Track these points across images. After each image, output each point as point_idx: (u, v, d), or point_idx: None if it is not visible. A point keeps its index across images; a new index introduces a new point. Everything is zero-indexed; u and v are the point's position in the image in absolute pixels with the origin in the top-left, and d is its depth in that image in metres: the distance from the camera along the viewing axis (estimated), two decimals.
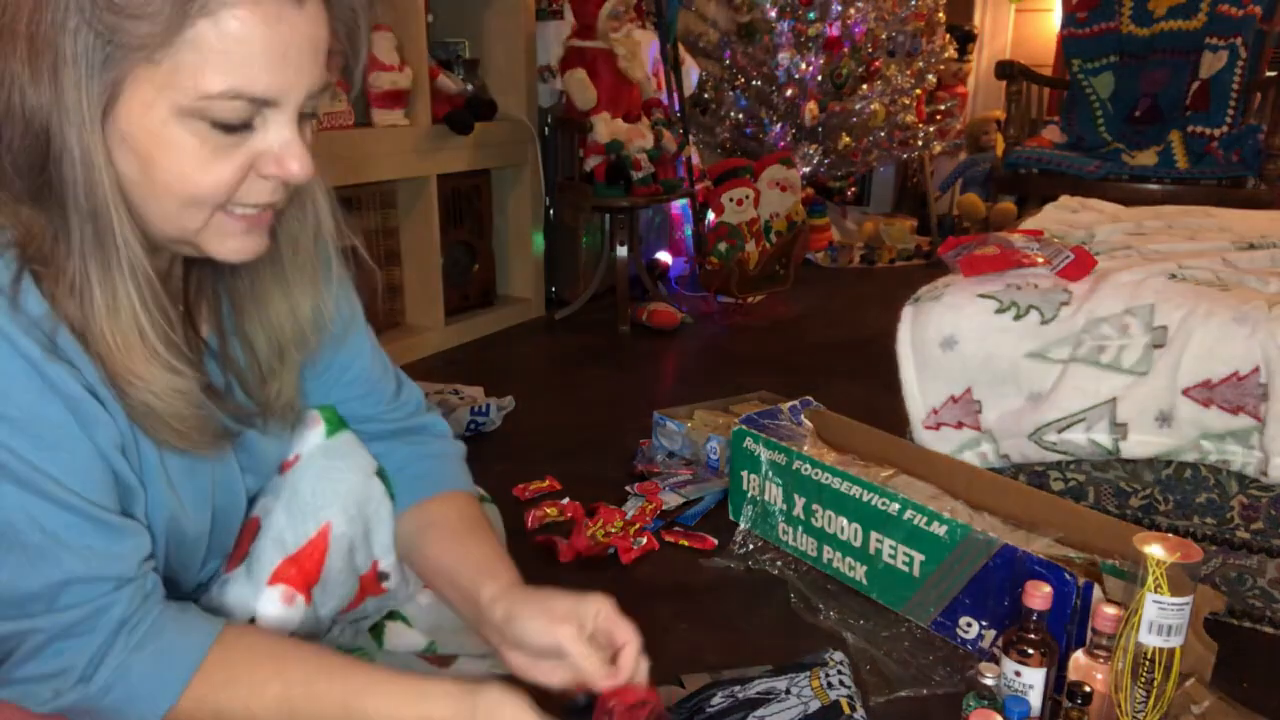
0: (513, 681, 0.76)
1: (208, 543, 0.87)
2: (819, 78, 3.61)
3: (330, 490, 0.90)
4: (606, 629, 0.80)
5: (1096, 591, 1.07)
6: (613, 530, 1.50)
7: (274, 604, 0.89)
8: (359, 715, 0.72)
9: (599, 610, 0.80)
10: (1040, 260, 1.42)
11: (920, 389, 1.43)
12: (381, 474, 0.95)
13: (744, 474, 1.52)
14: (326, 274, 0.83)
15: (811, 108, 3.58)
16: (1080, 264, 1.39)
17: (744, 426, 1.51)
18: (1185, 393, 1.23)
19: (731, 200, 3.16)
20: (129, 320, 0.67)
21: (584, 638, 0.79)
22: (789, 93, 3.62)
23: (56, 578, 0.67)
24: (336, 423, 0.93)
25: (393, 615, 1.09)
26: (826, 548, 1.39)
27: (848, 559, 1.35)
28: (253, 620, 0.89)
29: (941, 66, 3.99)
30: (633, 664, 0.79)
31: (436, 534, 0.93)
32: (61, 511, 0.67)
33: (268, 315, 0.82)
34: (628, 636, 0.80)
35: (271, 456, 0.90)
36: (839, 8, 3.58)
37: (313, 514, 0.90)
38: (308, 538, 0.90)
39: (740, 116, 3.74)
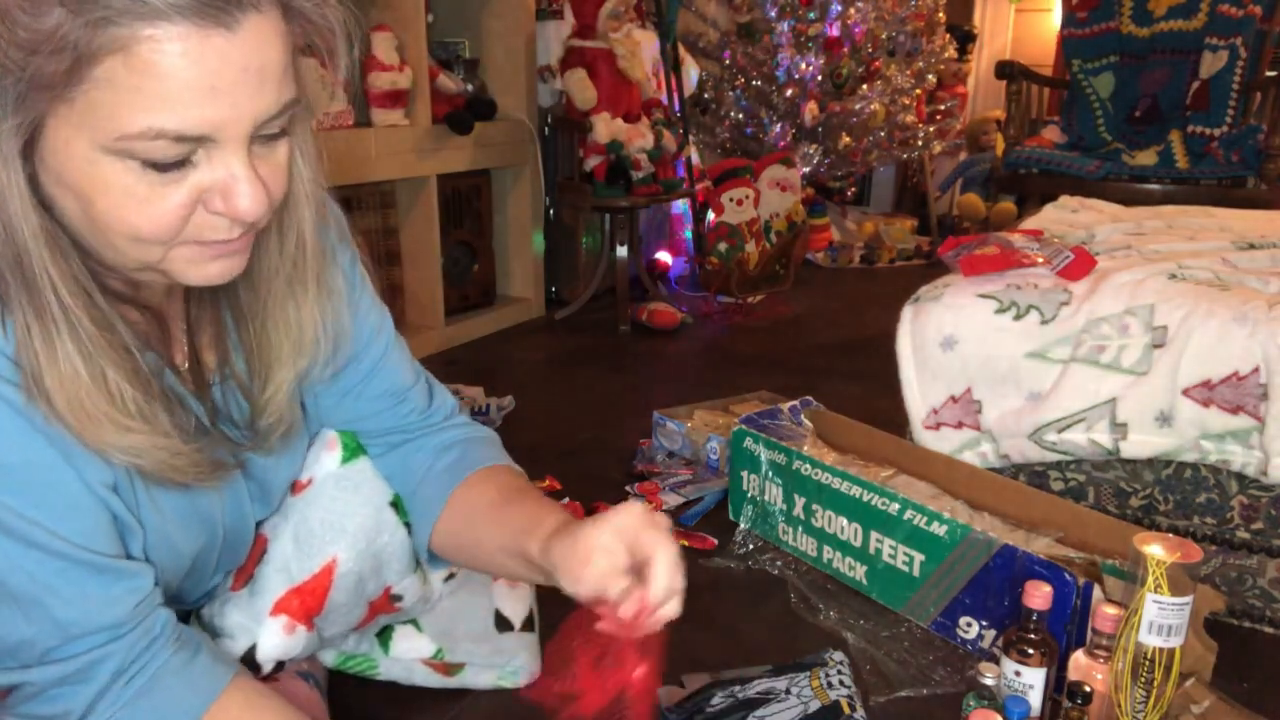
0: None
1: (215, 562, 0.86)
2: (819, 78, 3.61)
3: (340, 524, 0.89)
4: (632, 542, 0.72)
5: (1096, 591, 1.07)
6: None
7: (276, 634, 0.89)
8: None
9: (623, 526, 0.72)
10: (1040, 260, 1.42)
11: (920, 389, 1.43)
12: (396, 503, 0.93)
13: (744, 474, 1.52)
14: (325, 283, 0.79)
15: (811, 108, 3.58)
16: (1080, 264, 1.39)
17: (744, 426, 1.51)
18: (1185, 393, 1.23)
19: (731, 200, 3.16)
20: (72, 384, 0.63)
21: (610, 569, 0.72)
22: (789, 93, 3.62)
23: (49, 628, 0.66)
24: (353, 449, 0.92)
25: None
26: (826, 548, 1.39)
27: (848, 559, 1.35)
28: (253, 648, 0.89)
29: (941, 66, 3.99)
30: (663, 581, 0.71)
31: (481, 518, 0.88)
32: (51, 559, 0.65)
33: (262, 322, 0.78)
34: (653, 548, 0.72)
35: (279, 482, 0.89)
36: (839, 8, 3.58)
37: (320, 547, 0.89)
38: (312, 572, 0.89)
39: (740, 116, 3.74)
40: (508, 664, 1.11)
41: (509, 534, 0.84)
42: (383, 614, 0.99)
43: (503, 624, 1.12)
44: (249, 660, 0.89)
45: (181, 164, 0.60)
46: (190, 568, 0.82)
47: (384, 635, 1.07)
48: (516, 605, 1.13)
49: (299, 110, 0.66)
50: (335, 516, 0.89)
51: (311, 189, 0.75)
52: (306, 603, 0.89)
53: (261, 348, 0.78)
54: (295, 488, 0.91)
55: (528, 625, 1.14)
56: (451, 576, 1.06)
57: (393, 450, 0.94)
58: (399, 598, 0.97)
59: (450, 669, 1.09)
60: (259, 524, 0.91)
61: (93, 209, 0.60)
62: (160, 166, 0.59)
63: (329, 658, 1.05)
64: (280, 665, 0.92)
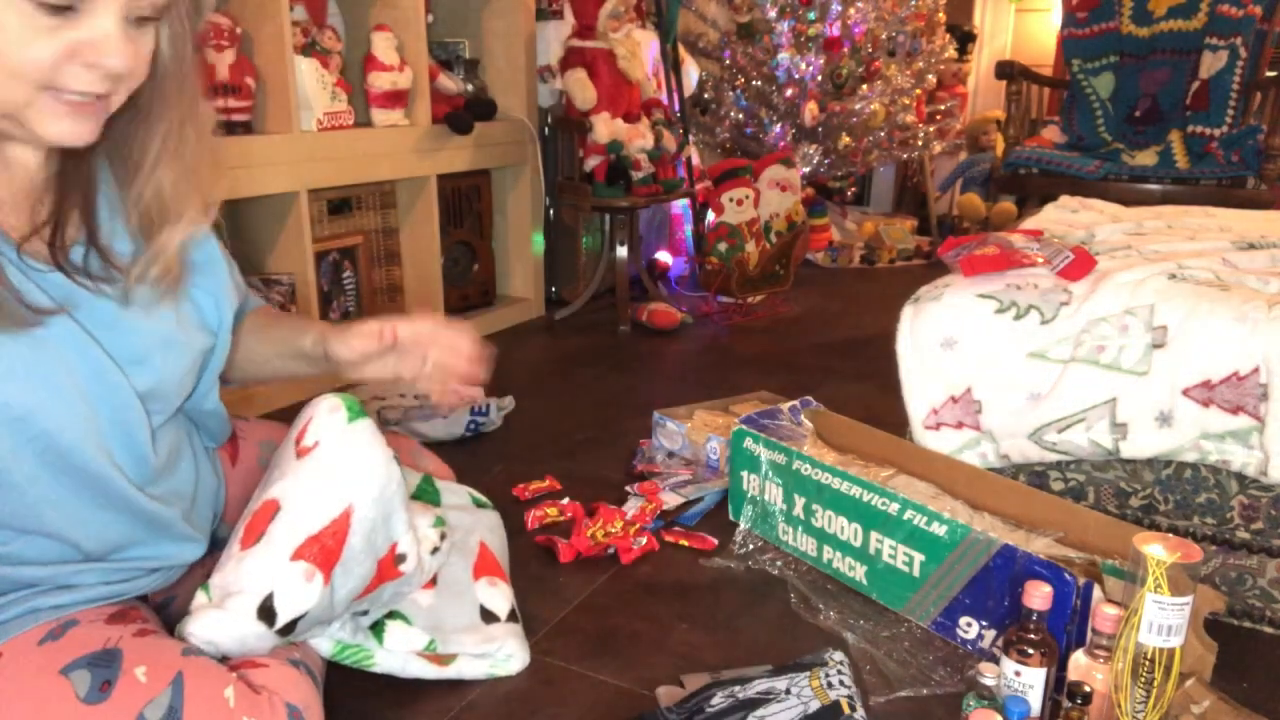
0: None
1: (99, 437, 0.86)
2: (819, 78, 3.61)
3: (354, 474, 0.93)
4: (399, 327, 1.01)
5: (1096, 591, 1.07)
6: (613, 530, 1.50)
7: (295, 581, 0.90)
8: None
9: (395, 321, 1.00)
10: (1040, 260, 1.42)
11: (920, 389, 1.43)
12: (395, 458, 0.98)
13: (744, 474, 1.52)
14: (192, 160, 0.89)
15: (811, 108, 3.58)
16: (1080, 264, 1.39)
17: (744, 426, 1.51)
18: (1185, 393, 1.23)
19: (731, 200, 3.16)
20: None
21: (372, 332, 0.99)
22: (789, 93, 3.62)
23: None
24: (356, 410, 0.96)
25: (393, 615, 1.09)
26: (826, 548, 1.39)
27: (848, 559, 1.35)
28: (270, 599, 0.89)
29: (941, 66, 3.99)
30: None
31: (258, 333, 1.09)
32: None
33: (139, 196, 0.87)
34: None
35: (148, 337, 0.90)
36: (839, 8, 3.58)
37: (336, 497, 0.92)
38: (331, 518, 0.91)
39: (740, 116, 3.74)
40: (498, 651, 1.14)
41: (280, 343, 1.08)
42: (388, 580, 1.00)
43: (488, 617, 1.17)
44: (266, 610, 0.89)
45: (64, 10, 0.71)
46: (53, 434, 0.82)
47: (377, 628, 1.08)
48: (499, 601, 1.19)
49: (172, 16, 0.80)
50: (349, 467, 0.93)
51: (190, 89, 0.86)
52: (326, 547, 0.91)
53: (144, 218, 0.88)
54: (301, 452, 0.94)
55: (512, 617, 1.19)
56: (436, 550, 1.10)
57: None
58: (403, 557, 1.00)
59: (443, 660, 1.11)
60: (216, 457, 0.97)
61: None
62: (48, 9, 0.71)
63: (325, 647, 1.05)
64: (292, 626, 0.91)
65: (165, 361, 0.91)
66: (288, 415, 1.19)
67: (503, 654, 1.15)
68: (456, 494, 1.28)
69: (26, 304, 0.79)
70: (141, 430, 0.89)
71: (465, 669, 1.13)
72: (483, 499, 1.32)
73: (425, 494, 1.23)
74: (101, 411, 0.85)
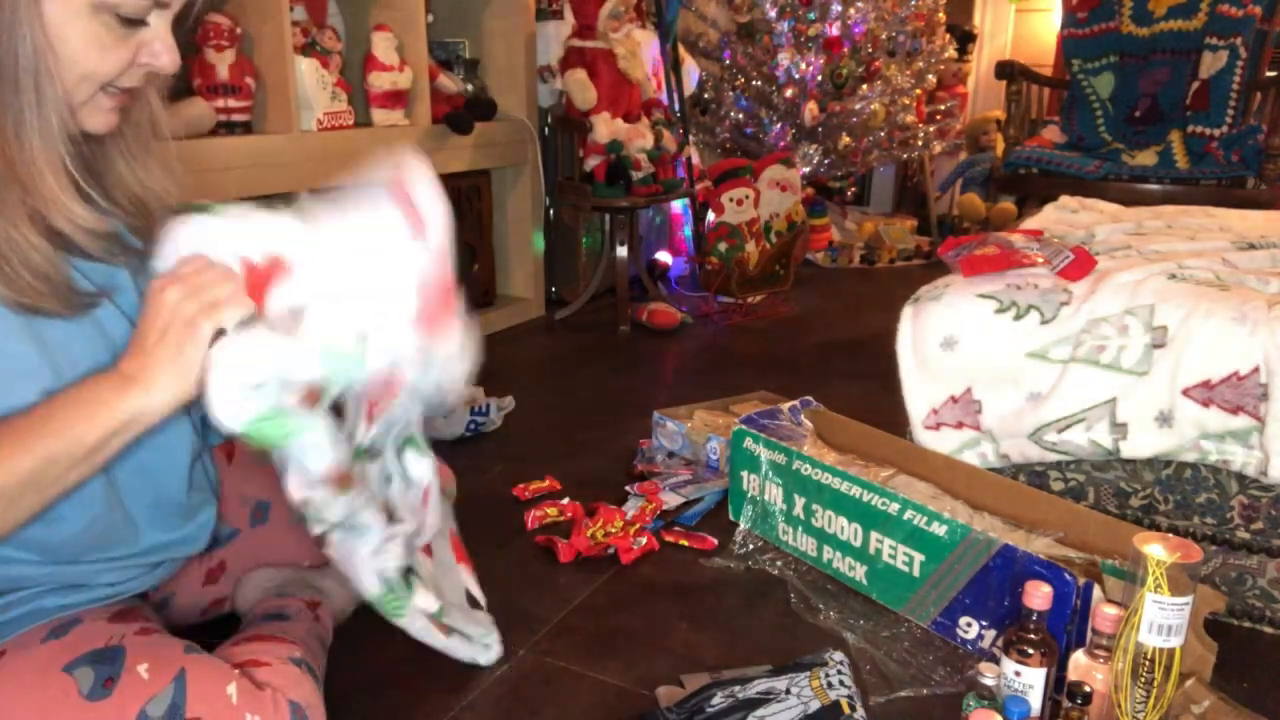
0: None
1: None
2: (819, 78, 3.61)
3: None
4: None
5: (1096, 591, 1.07)
6: (613, 530, 1.50)
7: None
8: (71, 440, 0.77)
9: None
10: (1040, 260, 1.42)
11: (920, 389, 1.43)
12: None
13: (744, 474, 1.52)
14: (166, 158, 0.94)
15: (811, 108, 3.58)
16: (1080, 264, 1.39)
17: (744, 426, 1.51)
18: (1185, 393, 1.23)
19: (731, 200, 3.16)
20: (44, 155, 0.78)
21: None
22: (789, 93, 3.62)
23: None
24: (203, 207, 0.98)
25: (413, 571, 1.06)
26: (826, 548, 1.39)
27: (848, 559, 1.35)
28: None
29: (941, 66, 3.99)
30: None
31: None
32: None
33: (120, 177, 0.91)
34: None
35: None
36: (839, 8, 3.58)
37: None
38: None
39: (740, 116, 3.74)
40: (481, 639, 1.16)
41: None
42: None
43: (473, 602, 1.17)
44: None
45: (137, 23, 0.79)
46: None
47: (408, 580, 1.04)
48: (477, 589, 1.19)
49: None
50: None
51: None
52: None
53: (137, 191, 0.92)
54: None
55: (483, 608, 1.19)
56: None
57: None
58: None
59: (447, 630, 1.12)
60: None
61: (64, 48, 0.77)
62: (126, 21, 0.78)
63: (373, 587, 1.00)
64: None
65: None
66: None
67: (484, 642, 1.16)
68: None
69: (76, 289, 0.82)
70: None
71: (454, 647, 1.14)
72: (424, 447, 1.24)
73: (412, 442, 1.14)
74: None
